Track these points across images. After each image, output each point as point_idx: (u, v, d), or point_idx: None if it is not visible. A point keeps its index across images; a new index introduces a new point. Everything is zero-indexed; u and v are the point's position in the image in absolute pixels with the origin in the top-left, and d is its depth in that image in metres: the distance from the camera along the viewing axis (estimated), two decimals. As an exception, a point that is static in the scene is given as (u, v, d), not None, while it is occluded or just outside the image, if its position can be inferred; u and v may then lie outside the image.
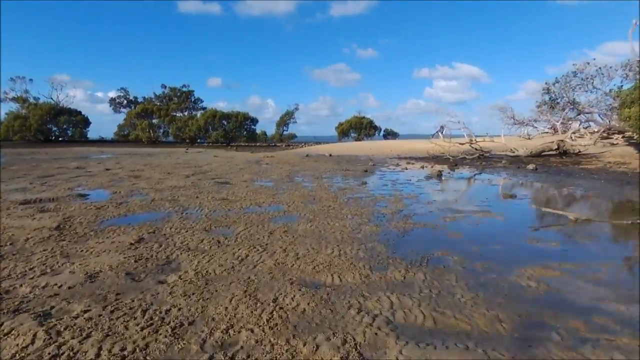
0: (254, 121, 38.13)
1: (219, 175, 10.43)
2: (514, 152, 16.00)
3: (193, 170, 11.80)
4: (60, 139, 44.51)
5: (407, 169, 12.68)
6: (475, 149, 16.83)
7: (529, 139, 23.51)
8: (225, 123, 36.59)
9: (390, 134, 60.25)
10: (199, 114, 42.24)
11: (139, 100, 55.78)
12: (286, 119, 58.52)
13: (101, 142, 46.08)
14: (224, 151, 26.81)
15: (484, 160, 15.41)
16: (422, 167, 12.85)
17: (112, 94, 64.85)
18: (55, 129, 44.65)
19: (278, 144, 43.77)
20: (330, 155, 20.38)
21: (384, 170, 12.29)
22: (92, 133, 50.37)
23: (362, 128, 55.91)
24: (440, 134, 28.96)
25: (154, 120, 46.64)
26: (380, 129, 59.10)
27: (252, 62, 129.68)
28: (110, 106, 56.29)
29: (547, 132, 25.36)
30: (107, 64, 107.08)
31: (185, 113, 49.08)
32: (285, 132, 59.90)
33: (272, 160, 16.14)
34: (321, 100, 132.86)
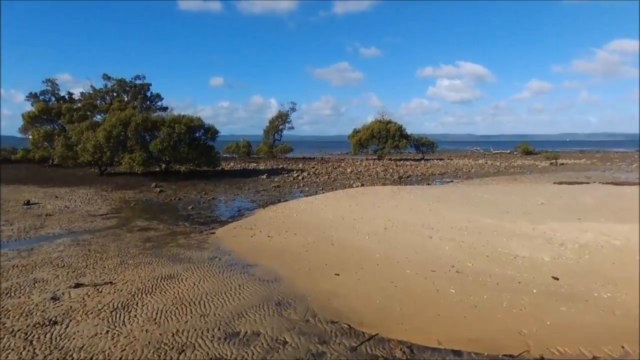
0: (210, 132, 20.87)
1: None
2: None
3: None
4: None
5: None
6: None
7: None
8: (161, 135, 19.35)
9: (425, 145, 42.83)
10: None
11: (75, 96, 39.18)
12: (278, 123, 41.43)
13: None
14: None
15: None
16: None
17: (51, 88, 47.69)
18: None
19: (261, 166, 26.77)
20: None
21: None
22: None
23: (388, 138, 38.67)
24: None
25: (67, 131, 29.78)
26: (413, 139, 41.70)
27: (254, 61, 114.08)
28: (32, 106, 39.72)
29: None
30: (104, 65, 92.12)
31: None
32: (278, 142, 42.88)
33: None
34: (323, 100, 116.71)
